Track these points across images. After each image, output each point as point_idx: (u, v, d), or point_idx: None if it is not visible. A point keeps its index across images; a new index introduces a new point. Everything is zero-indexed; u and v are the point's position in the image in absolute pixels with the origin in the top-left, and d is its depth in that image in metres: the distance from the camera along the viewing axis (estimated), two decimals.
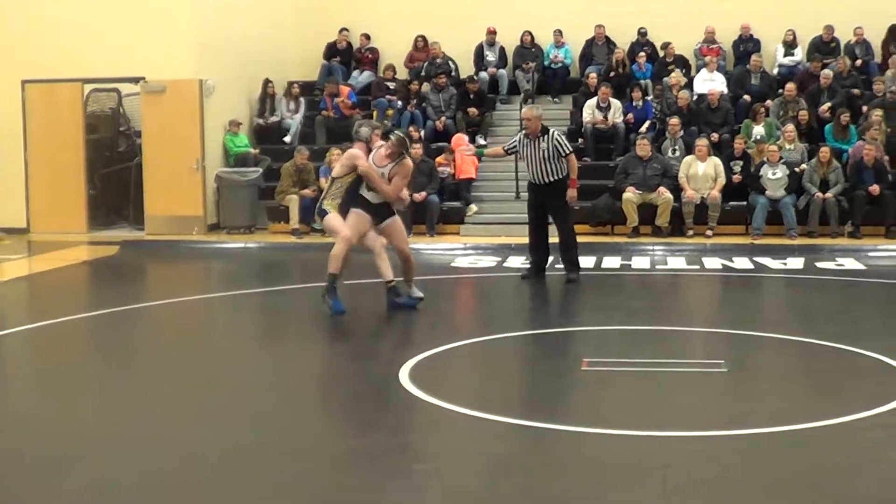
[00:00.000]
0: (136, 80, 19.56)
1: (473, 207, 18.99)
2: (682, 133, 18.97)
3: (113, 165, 20.48)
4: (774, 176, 17.55)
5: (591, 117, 19.82)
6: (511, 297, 13.11)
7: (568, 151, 13.50)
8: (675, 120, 19.00)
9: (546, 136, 13.37)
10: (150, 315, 12.12)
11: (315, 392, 8.54)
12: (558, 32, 22.25)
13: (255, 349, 10.56)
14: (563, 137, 13.82)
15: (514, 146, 13.85)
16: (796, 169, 17.80)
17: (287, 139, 20.77)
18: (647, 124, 19.71)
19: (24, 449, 6.90)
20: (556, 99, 21.97)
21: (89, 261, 16.94)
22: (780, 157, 17.77)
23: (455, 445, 6.96)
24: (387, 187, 11.31)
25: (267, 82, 21.21)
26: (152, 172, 19.38)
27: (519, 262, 15.35)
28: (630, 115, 19.92)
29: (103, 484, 6.20)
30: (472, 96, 20.91)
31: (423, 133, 19.92)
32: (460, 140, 19.42)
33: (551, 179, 13.45)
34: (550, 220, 13.84)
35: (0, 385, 8.77)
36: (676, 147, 18.78)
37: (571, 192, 13.62)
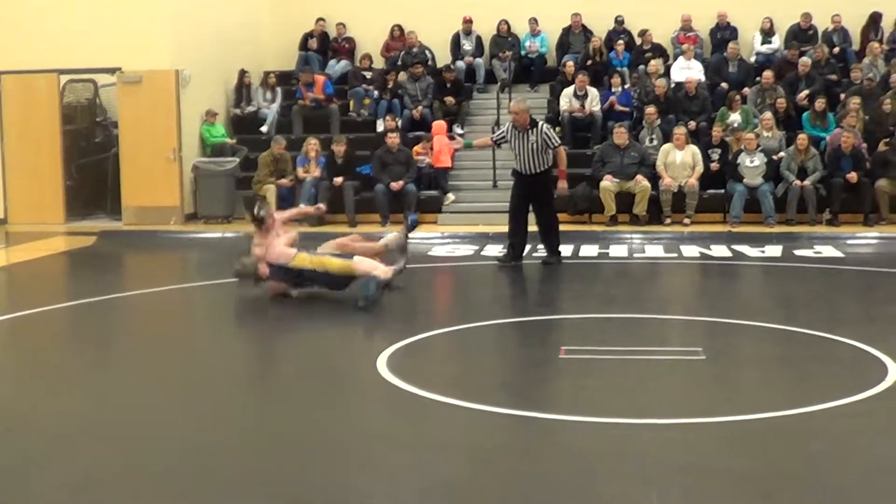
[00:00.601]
0: (112, 71, 19.44)
1: (451, 196, 18.93)
2: (659, 121, 18.95)
3: (90, 156, 20.37)
4: (752, 164, 17.54)
5: (568, 106, 19.77)
6: (489, 286, 13.07)
7: (556, 144, 13.65)
8: (651, 109, 18.98)
9: (535, 129, 13.45)
10: (129, 305, 12.03)
11: (291, 381, 8.48)
12: (533, 21, 22.19)
13: (233, 338, 10.51)
14: (552, 131, 13.89)
15: (504, 136, 13.88)
16: (774, 157, 17.80)
17: (264, 129, 20.66)
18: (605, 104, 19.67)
19: (1, 443, 6.84)
20: (534, 88, 21.93)
21: (67, 251, 16.84)
22: (758, 145, 17.76)
23: (433, 434, 6.91)
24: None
25: (243, 72, 21.10)
26: (129, 163, 19.27)
27: (496, 250, 15.30)
28: (613, 99, 19.81)
29: (81, 479, 6.12)
30: (448, 85, 20.85)
31: (399, 122, 19.85)
32: (440, 128, 19.35)
33: (538, 171, 13.58)
34: (531, 209, 13.86)
35: None
36: (654, 136, 18.76)
37: (562, 184, 13.89)
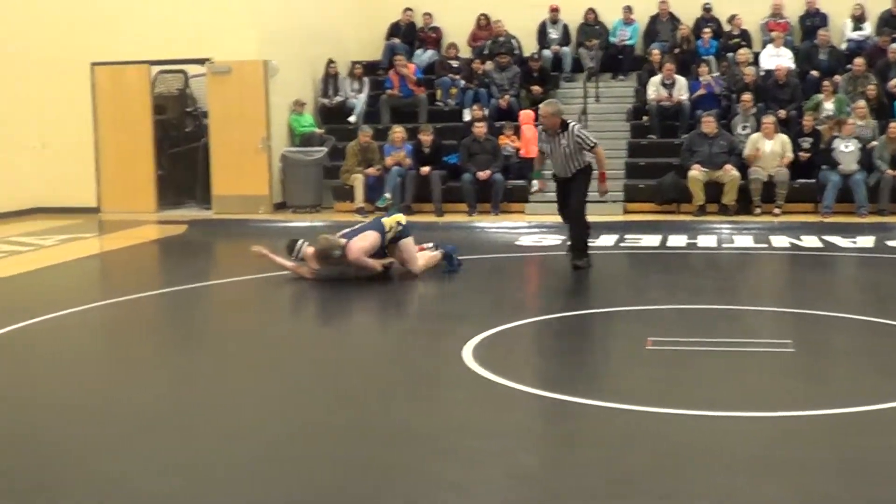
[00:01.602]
0: (202, 62, 19.64)
1: (535, 184, 18.85)
2: (754, 109, 18.70)
3: (180, 146, 20.62)
4: (847, 149, 17.25)
5: (655, 94, 19.62)
6: (575, 276, 13.01)
7: (592, 144, 12.85)
8: (747, 96, 18.70)
9: (566, 132, 12.71)
10: (216, 293, 12.17)
11: (375, 370, 8.50)
12: (627, 9, 22.04)
13: (319, 327, 10.59)
14: (585, 131, 13.17)
15: (541, 142, 13.25)
16: (866, 145, 17.51)
17: (352, 119, 20.74)
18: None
19: (83, 428, 6.94)
20: (621, 77, 21.80)
21: (158, 240, 17.07)
22: (853, 132, 17.48)
23: (517, 423, 6.90)
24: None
25: (329, 63, 21.19)
26: (219, 152, 19.47)
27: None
28: (702, 89, 19.60)
29: (161, 464, 6.21)
30: (535, 74, 20.77)
31: (486, 111, 19.81)
32: (529, 117, 19.25)
33: (573, 173, 12.87)
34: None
35: (64, 362, 8.81)
36: (748, 123, 18.52)
37: (602, 186, 13.13)
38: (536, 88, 20.48)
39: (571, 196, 13.00)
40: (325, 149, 19.69)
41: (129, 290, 11.77)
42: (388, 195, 18.00)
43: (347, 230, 12.33)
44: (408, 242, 12.33)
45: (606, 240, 15.39)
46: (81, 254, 15.21)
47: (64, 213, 19.75)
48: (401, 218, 12.45)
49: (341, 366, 8.60)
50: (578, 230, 13.03)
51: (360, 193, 18.41)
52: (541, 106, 13.29)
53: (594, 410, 7.06)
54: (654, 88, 19.71)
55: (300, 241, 12.30)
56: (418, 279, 12.17)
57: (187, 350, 9.43)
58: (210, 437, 6.66)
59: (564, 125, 12.78)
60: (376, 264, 12.10)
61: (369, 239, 12.08)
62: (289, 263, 12.32)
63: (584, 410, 7.08)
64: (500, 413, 7.16)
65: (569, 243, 13.27)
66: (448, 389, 7.80)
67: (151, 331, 10.57)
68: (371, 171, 18.51)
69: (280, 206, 19.55)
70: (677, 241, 15.39)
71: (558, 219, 17.15)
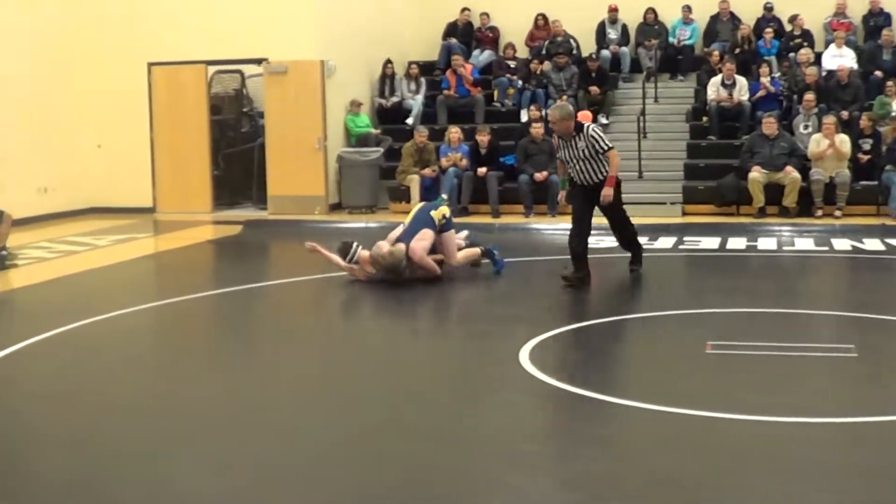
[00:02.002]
0: (258, 62, 19.74)
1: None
2: (816, 109, 18.50)
3: (236, 146, 20.71)
4: None
5: (715, 95, 19.48)
6: (632, 278, 12.93)
7: (606, 147, 11.95)
8: (809, 95, 18.53)
9: (581, 134, 11.95)
10: (271, 294, 12.19)
11: (431, 371, 8.49)
12: (687, 9, 21.91)
13: (375, 329, 10.58)
14: (600, 132, 12.26)
15: (557, 148, 12.53)
16: None
17: (409, 122, 20.75)
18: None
19: (142, 427, 6.97)
20: (680, 77, 21.67)
21: (213, 240, 17.16)
22: None
23: (573, 428, 6.86)
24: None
25: (387, 63, 21.22)
26: (275, 153, 19.55)
27: (643, 241, 15.12)
28: (762, 90, 19.41)
29: (215, 463, 6.21)
30: (593, 74, 20.69)
31: (543, 112, 19.74)
32: (586, 117, 19.12)
33: (597, 180, 12.03)
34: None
35: (121, 362, 8.86)
36: (809, 123, 18.33)
37: (606, 191, 11.95)
38: (594, 89, 20.41)
39: (611, 217, 12.49)
40: (381, 149, 19.72)
41: (185, 291, 11.83)
42: (444, 196, 17.98)
43: (398, 232, 12.33)
44: (449, 236, 12.47)
45: (665, 242, 15.30)
46: (136, 254, 15.33)
47: (119, 213, 19.92)
48: (446, 210, 12.53)
49: (400, 367, 8.58)
50: (630, 234, 12.69)
51: (415, 194, 18.40)
52: (550, 111, 12.76)
53: (652, 415, 6.99)
54: (713, 89, 19.57)
55: (355, 245, 12.29)
56: (473, 281, 12.17)
57: (239, 351, 9.45)
58: (260, 437, 6.66)
59: (579, 127, 12.03)
60: (436, 268, 12.12)
61: (427, 237, 12.13)
62: (343, 262, 12.33)
63: (643, 415, 7.02)
64: (556, 416, 7.13)
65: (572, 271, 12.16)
66: (505, 392, 7.75)
67: (203, 331, 10.62)
68: (427, 171, 18.52)
69: (335, 207, 19.60)
70: (737, 243, 15.26)
71: None
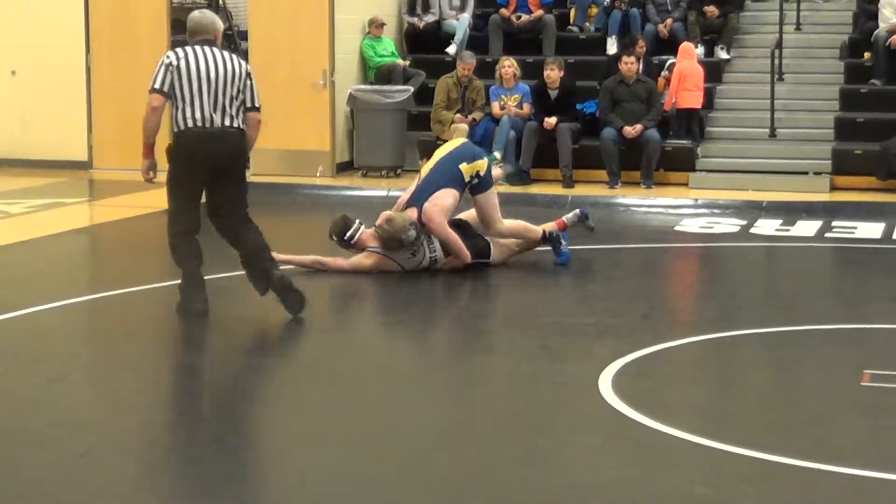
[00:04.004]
0: None
1: (497, 155, 18.49)
2: None
3: None
4: None
5: (886, 23, 19.30)
6: (760, 277, 12.90)
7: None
8: None
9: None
10: (247, 288, 12.20)
11: (482, 402, 8.54)
12: None
13: (397, 338, 10.55)
14: None
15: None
16: None
17: (451, 50, 20.70)
18: None
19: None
20: None
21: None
22: None
23: (673, 486, 6.81)
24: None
25: None
26: (262, 91, 19.43)
27: (774, 226, 15.08)
28: None
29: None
30: None
31: (640, 42, 19.64)
32: (688, 52, 19.02)
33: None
34: None
35: (37, 375, 8.89)
36: None
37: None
38: (711, 10, 20.33)
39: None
40: (410, 88, 19.69)
41: (128, 280, 11.82)
42: (497, 154, 17.93)
43: (407, 195, 12.32)
44: (487, 197, 12.35)
45: (805, 228, 15.26)
46: (63, 226, 15.38)
47: (40, 167, 19.93)
48: (482, 165, 12.36)
49: (436, 396, 8.60)
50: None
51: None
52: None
53: (787, 472, 6.95)
54: (891, 11, 19.35)
55: (357, 223, 12.20)
56: (529, 277, 12.15)
57: (210, 366, 9.47)
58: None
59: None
60: (462, 246, 12.07)
61: (450, 198, 12.13)
62: (330, 260, 12.29)
63: (773, 472, 6.97)
64: (650, 471, 7.07)
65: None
66: (579, 434, 7.74)
67: (154, 338, 10.60)
68: (459, 118, 18.44)
69: (345, 168, 19.61)
70: None
71: (735, 195, 17.16)
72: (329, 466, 7.06)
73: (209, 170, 10.46)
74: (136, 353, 9.67)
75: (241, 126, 10.61)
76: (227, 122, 10.49)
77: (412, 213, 11.97)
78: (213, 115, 10.43)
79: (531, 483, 6.81)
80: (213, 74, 10.43)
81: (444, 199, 12.05)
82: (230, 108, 10.48)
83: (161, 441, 7.59)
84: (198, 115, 10.37)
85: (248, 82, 10.66)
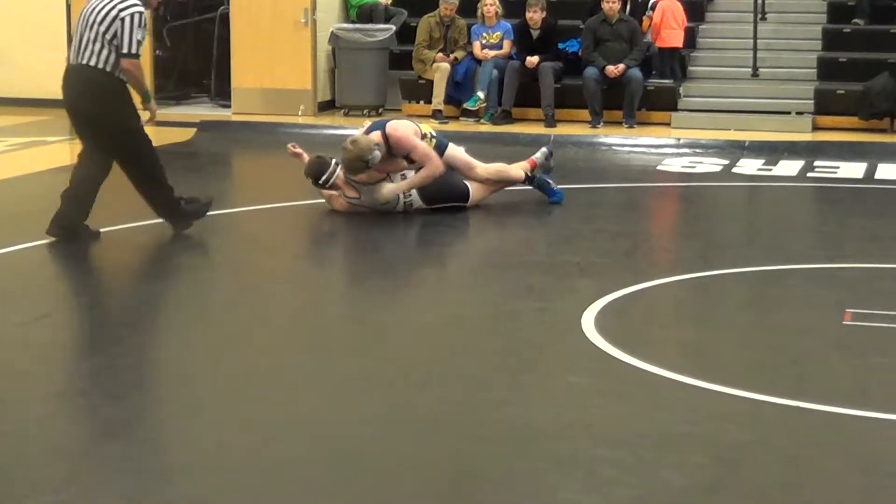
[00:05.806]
0: None
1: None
2: None
3: (188, 16, 20.66)
4: None
5: None
6: (741, 217, 12.96)
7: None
8: None
9: None
10: (235, 227, 12.20)
11: (467, 341, 8.54)
12: None
13: (381, 280, 10.57)
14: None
15: None
16: None
17: None
18: None
19: None
20: None
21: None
22: None
23: (658, 424, 6.86)
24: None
25: None
26: (243, 28, 19.48)
27: (756, 166, 15.12)
28: None
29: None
30: None
31: None
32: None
33: None
34: None
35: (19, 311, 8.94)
36: None
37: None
38: None
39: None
40: (392, 27, 19.65)
41: (109, 220, 11.70)
42: (480, 94, 17.95)
43: (368, 125, 12.44)
44: (451, 151, 12.48)
45: (788, 167, 15.28)
46: (43, 165, 15.40)
47: (20, 105, 19.88)
48: (429, 128, 12.71)
49: (420, 336, 8.63)
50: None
51: (440, 90, 18.34)
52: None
53: (769, 410, 7.01)
54: None
55: (333, 163, 12.18)
56: (514, 216, 12.19)
57: (196, 314, 9.53)
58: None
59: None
60: (438, 162, 12.22)
61: (412, 124, 12.37)
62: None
63: (755, 409, 7.04)
64: (633, 408, 7.13)
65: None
66: (562, 373, 7.78)
67: (134, 283, 10.63)
68: (455, 56, 18.43)
69: (327, 107, 19.59)
70: (889, 171, 15.20)
71: (717, 135, 17.18)
72: (315, 408, 7.11)
73: (65, 107, 10.99)
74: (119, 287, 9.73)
75: (102, 66, 10.58)
76: (81, 60, 10.62)
77: (376, 135, 12.00)
78: (71, 54, 10.78)
79: (515, 420, 6.88)
80: (85, 13, 10.59)
81: (404, 123, 12.24)
82: (92, 45, 10.54)
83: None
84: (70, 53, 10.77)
85: (121, 25, 10.49)
